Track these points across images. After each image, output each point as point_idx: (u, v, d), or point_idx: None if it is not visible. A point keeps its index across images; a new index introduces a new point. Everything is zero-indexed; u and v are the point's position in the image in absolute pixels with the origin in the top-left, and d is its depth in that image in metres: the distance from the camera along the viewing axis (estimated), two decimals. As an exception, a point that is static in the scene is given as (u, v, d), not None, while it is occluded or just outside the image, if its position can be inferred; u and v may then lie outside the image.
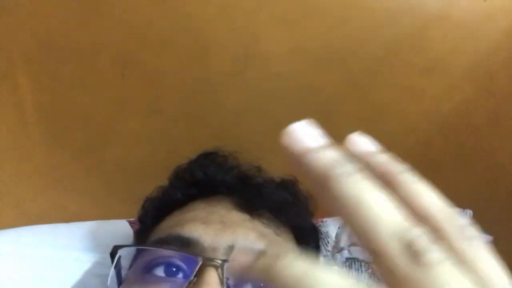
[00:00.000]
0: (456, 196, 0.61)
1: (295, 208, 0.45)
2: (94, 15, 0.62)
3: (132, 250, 0.38)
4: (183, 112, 0.66)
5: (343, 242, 0.51)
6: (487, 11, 0.63)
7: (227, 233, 0.37)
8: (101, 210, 0.63)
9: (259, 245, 0.37)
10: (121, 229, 0.54)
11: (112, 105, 0.65)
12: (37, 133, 0.63)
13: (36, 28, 0.61)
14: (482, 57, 0.66)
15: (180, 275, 0.35)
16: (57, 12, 0.61)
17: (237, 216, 0.40)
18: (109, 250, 0.50)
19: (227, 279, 0.33)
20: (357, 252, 0.48)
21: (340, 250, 0.50)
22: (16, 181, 0.62)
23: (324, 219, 0.55)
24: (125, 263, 0.37)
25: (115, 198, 0.63)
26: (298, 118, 0.60)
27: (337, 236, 0.52)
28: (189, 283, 0.32)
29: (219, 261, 0.33)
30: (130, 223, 0.56)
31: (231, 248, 0.35)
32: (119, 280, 0.36)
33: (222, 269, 0.33)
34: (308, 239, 0.46)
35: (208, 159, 0.46)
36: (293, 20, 0.64)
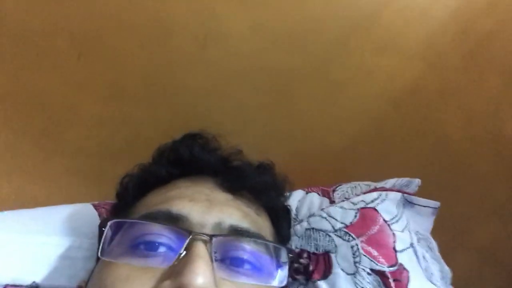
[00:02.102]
0: (408, 167, 0.66)
1: (274, 190, 0.47)
2: (47, -5, 0.60)
3: (115, 224, 0.38)
4: (143, 93, 0.66)
5: (302, 214, 0.54)
6: (435, -9, 0.67)
7: (214, 211, 0.38)
8: (64, 194, 0.63)
9: (244, 223, 0.39)
10: (86, 212, 0.54)
11: (71, 87, 0.64)
12: (-7, 118, 0.62)
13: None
14: (431, 36, 0.69)
15: (168, 249, 0.35)
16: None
17: (222, 196, 0.42)
18: (76, 233, 0.50)
19: (215, 252, 0.35)
20: (315, 222, 0.51)
21: (300, 221, 0.53)
22: (-27, 166, 0.61)
23: (286, 193, 0.58)
24: (107, 237, 0.37)
25: (77, 181, 0.63)
26: (258, 96, 0.63)
27: (297, 208, 0.55)
28: (179, 256, 0.34)
29: (207, 236, 0.35)
30: (94, 206, 0.56)
31: (218, 225, 0.37)
32: (102, 252, 0.36)
33: (210, 243, 0.34)
34: (282, 219, 0.48)
35: (193, 139, 0.47)
36: (252, 1, 0.65)
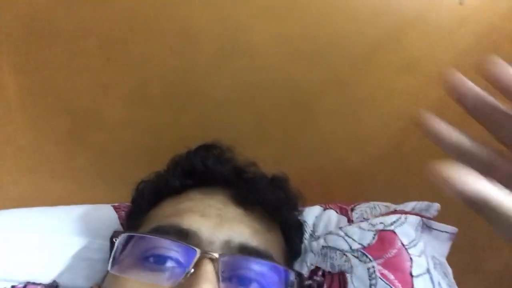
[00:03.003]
0: (426, 190, 0.65)
1: (286, 205, 0.47)
2: (80, -1, 0.61)
3: (126, 236, 0.39)
4: (167, 99, 0.67)
5: (319, 231, 0.54)
6: (462, 15, 0.66)
7: (225, 228, 0.38)
8: (84, 194, 0.64)
9: (253, 242, 0.39)
10: (106, 214, 0.55)
11: (97, 90, 0.65)
12: (20, 116, 0.63)
13: (20, 11, 0.60)
14: (456, 58, 0.69)
15: (176, 265, 0.36)
16: (42, -5, 0.60)
17: (233, 211, 0.42)
18: (95, 235, 0.51)
19: (222, 272, 0.35)
20: (332, 240, 0.51)
21: (317, 238, 0.53)
22: (-2, 164, 0.62)
23: (303, 209, 0.58)
24: (118, 248, 0.38)
25: (98, 182, 0.64)
26: (279, 110, 0.63)
27: (314, 225, 0.55)
28: (187, 274, 0.34)
29: (216, 255, 0.35)
30: (115, 208, 0.57)
31: (227, 243, 0.37)
32: (113, 263, 0.37)
33: (218, 263, 0.35)
34: (294, 234, 0.48)
35: (207, 151, 0.48)
36: (279, 13, 0.65)
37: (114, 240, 0.38)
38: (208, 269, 0.34)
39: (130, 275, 0.35)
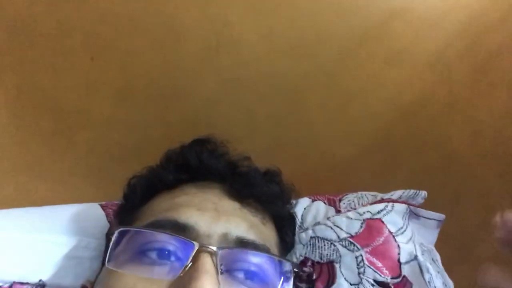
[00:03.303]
0: (414, 179, 0.66)
1: (280, 198, 0.48)
2: (62, -3, 0.61)
3: (120, 232, 0.38)
4: (154, 96, 0.67)
5: (308, 222, 0.54)
6: (447, 5, 0.67)
7: (221, 221, 0.38)
8: (71, 194, 0.64)
9: (250, 235, 0.39)
10: (93, 212, 0.54)
11: (82, 88, 0.65)
12: (5, 116, 0.62)
13: (3, 11, 0.60)
14: (441, 48, 0.69)
15: (174, 259, 0.36)
16: (24, -6, 0.60)
17: (229, 204, 0.42)
18: (83, 233, 0.51)
19: (221, 264, 0.35)
20: (320, 231, 0.51)
21: (305, 229, 0.53)
22: (-17, 164, 0.62)
23: (292, 201, 0.58)
24: (113, 244, 0.38)
25: (85, 182, 0.64)
26: (268, 104, 0.63)
27: (302, 216, 0.55)
28: (185, 267, 0.34)
29: (214, 248, 0.35)
30: (102, 206, 0.57)
31: (224, 236, 0.37)
32: (109, 259, 0.37)
33: (216, 256, 0.35)
34: (287, 227, 0.49)
35: (201, 145, 0.47)
36: (265, 8, 0.65)
37: (110, 235, 0.37)
38: (207, 262, 0.34)
39: (127, 270, 0.35)
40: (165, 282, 0.34)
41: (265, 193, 0.45)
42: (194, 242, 0.35)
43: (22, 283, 0.46)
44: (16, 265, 0.46)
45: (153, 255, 0.36)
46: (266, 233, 0.42)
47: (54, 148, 0.65)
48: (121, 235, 0.38)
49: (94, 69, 0.64)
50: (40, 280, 0.46)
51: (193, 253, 0.34)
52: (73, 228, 0.51)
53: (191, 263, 0.34)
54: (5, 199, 0.63)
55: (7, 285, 0.45)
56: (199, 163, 0.46)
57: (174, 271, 0.34)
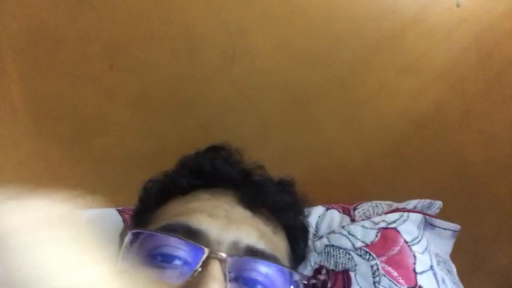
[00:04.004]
0: (427, 188, 0.66)
1: (293, 209, 0.48)
2: (83, 6, 0.63)
3: (133, 233, 0.39)
4: (170, 104, 0.68)
5: (322, 231, 0.55)
6: (459, 16, 0.67)
7: (232, 229, 0.39)
8: (89, 199, 0.65)
9: (260, 244, 0.39)
10: (110, 217, 0.55)
11: (101, 95, 0.66)
12: (25, 122, 0.64)
13: (26, 18, 0.62)
14: (455, 59, 0.70)
15: (183, 263, 0.36)
16: (47, 3, 0.61)
17: (241, 212, 0.42)
18: (99, 237, 0.52)
19: (230, 272, 0.35)
20: (335, 239, 0.51)
21: (320, 237, 0.53)
22: (4, 169, 0.63)
23: (305, 209, 0.58)
24: (125, 245, 0.38)
25: (103, 187, 0.65)
26: (281, 112, 0.64)
27: (317, 225, 0.56)
28: (194, 272, 0.34)
29: (224, 255, 0.35)
30: (119, 211, 0.58)
31: (234, 244, 0.38)
32: (122, 259, 0.37)
33: (226, 263, 0.35)
34: (299, 238, 0.49)
35: (216, 152, 0.48)
36: (280, 17, 0.66)
37: (124, 237, 0.38)
38: (216, 268, 0.34)
39: (138, 271, 0.36)
40: (174, 286, 0.34)
41: (278, 202, 0.45)
42: (205, 248, 0.35)
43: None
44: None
45: (164, 258, 0.36)
46: (276, 243, 0.43)
47: (73, 154, 0.66)
48: (135, 237, 0.39)
49: (113, 77, 0.65)
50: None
51: (203, 259, 0.35)
52: (90, 233, 0.52)
53: (200, 269, 0.34)
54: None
55: None
56: (213, 170, 0.46)
57: (183, 275, 0.35)
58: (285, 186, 0.49)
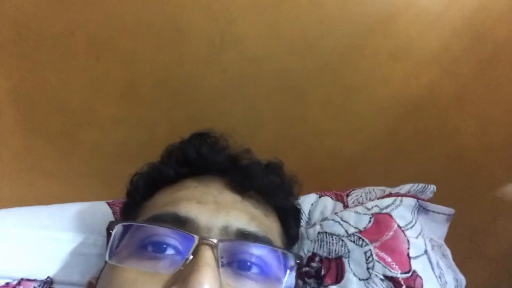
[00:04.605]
0: (421, 173, 0.65)
1: (282, 190, 0.47)
2: (67, -2, 0.62)
3: (123, 226, 0.38)
4: (159, 95, 0.67)
5: (315, 218, 0.54)
6: (450, -1, 0.66)
7: (222, 214, 0.38)
8: (79, 192, 0.64)
9: (251, 227, 0.38)
10: (100, 210, 0.55)
11: (88, 88, 0.65)
12: (11, 117, 0.63)
13: (9, 12, 0.61)
14: (447, 42, 0.69)
15: (175, 252, 0.35)
16: (30, -5, 0.60)
17: (230, 197, 0.42)
18: (89, 230, 0.51)
19: (222, 257, 0.35)
20: (328, 226, 0.50)
21: (313, 225, 0.53)
22: (-8, 165, 0.62)
23: (298, 197, 0.57)
24: (115, 239, 0.37)
25: (92, 180, 0.64)
26: (272, 100, 0.63)
27: (310, 212, 0.55)
28: (186, 261, 0.34)
29: (215, 241, 0.35)
30: (109, 204, 0.57)
31: (225, 229, 0.37)
32: (111, 254, 0.37)
33: (217, 249, 0.34)
34: (291, 219, 0.48)
35: (201, 139, 0.47)
36: (268, 4, 0.65)
37: (110, 231, 0.37)
38: (207, 254, 0.34)
39: (129, 264, 0.35)
40: (166, 276, 0.33)
41: (266, 185, 0.44)
42: (195, 236, 0.35)
43: (30, 280, 0.46)
44: (25, 262, 0.47)
45: (154, 249, 0.36)
46: (268, 225, 0.42)
47: (61, 147, 0.65)
48: (124, 230, 0.38)
49: (100, 69, 0.64)
50: (48, 277, 0.46)
51: (194, 246, 0.34)
52: (80, 226, 0.51)
53: (191, 256, 0.34)
54: (14, 198, 0.63)
55: (16, 281, 0.45)
56: (199, 157, 0.46)
57: (175, 264, 0.34)
58: (273, 168, 0.48)
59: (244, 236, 0.37)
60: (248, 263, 0.36)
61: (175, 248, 0.36)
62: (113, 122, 0.66)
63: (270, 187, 0.45)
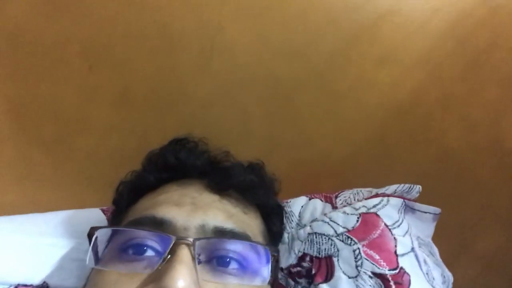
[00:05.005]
0: (409, 175, 0.67)
1: (261, 188, 0.48)
2: (61, 9, 0.63)
3: (108, 232, 0.40)
4: (151, 102, 0.68)
5: (305, 219, 0.55)
6: (434, 5, 0.69)
7: (198, 214, 0.39)
8: (73, 200, 0.65)
9: (228, 224, 0.40)
10: (94, 217, 0.55)
11: (81, 96, 0.66)
12: (6, 126, 0.64)
13: (3, 22, 0.62)
14: (431, 47, 0.71)
15: (154, 253, 0.37)
16: (23, 7, 0.61)
17: (208, 197, 0.43)
18: (84, 236, 0.52)
19: (199, 255, 0.36)
20: (318, 227, 0.52)
21: (303, 226, 0.54)
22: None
23: (289, 200, 0.59)
24: (101, 244, 0.39)
25: (86, 188, 0.65)
26: (262, 106, 0.65)
27: (300, 214, 0.56)
28: (163, 260, 0.35)
29: (191, 240, 0.36)
30: (103, 211, 0.58)
31: (202, 228, 0.38)
32: (96, 259, 0.38)
33: (194, 247, 0.36)
34: (273, 216, 0.50)
35: (179, 144, 0.49)
36: (256, 12, 0.67)
37: (90, 237, 0.38)
38: (183, 252, 0.35)
39: (111, 267, 0.36)
40: (145, 275, 0.35)
41: (244, 183, 0.46)
42: (171, 236, 0.36)
43: (26, 285, 0.46)
44: (21, 267, 0.47)
45: (134, 251, 0.37)
46: (247, 222, 0.43)
47: (55, 155, 0.66)
48: (107, 236, 0.39)
49: (93, 78, 0.65)
50: (43, 282, 0.47)
51: (171, 246, 0.35)
52: (75, 232, 0.52)
53: (169, 256, 0.35)
54: (9, 207, 0.64)
55: (12, 287, 0.46)
56: (178, 162, 0.47)
57: (153, 264, 0.35)
58: (253, 168, 0.50)
59: (221, 233, 0.39)
60: (227, 259, 0.38)
61: (154, 249, 0.37)
62: (106, 129, 0.67)
63: (248, 184, 0.46)
